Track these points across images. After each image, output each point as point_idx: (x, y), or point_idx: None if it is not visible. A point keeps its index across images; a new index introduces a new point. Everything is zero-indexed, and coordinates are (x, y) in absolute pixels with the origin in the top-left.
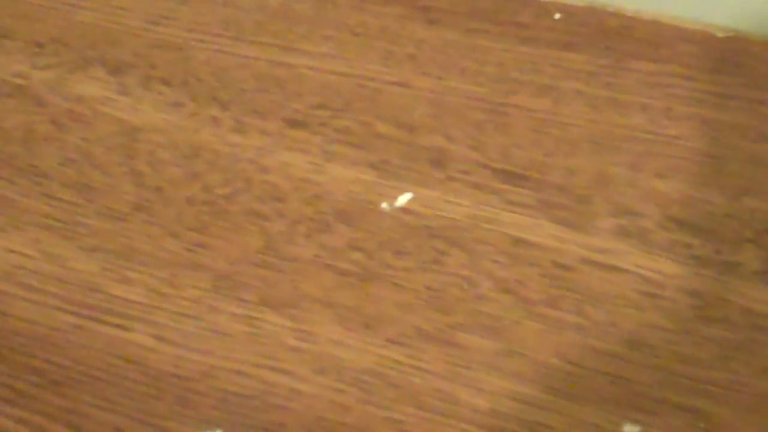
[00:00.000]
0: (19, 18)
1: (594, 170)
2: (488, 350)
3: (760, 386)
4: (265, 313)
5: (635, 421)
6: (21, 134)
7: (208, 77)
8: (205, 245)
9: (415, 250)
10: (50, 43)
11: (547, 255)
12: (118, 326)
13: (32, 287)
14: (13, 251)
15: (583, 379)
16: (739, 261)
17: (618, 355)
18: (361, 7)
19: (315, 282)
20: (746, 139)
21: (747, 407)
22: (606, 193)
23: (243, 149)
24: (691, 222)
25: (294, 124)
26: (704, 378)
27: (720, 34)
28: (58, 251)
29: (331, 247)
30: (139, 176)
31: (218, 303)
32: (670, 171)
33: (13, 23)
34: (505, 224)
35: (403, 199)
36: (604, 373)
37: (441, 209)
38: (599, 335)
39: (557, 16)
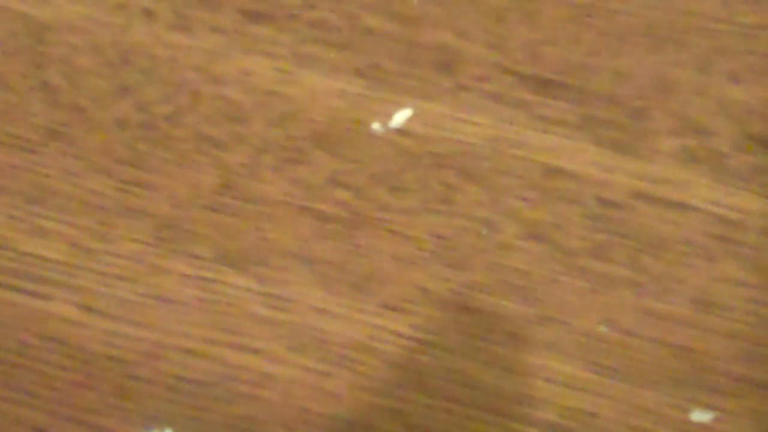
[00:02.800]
0: None
1: (651, 74)
2: (516, 316)
3: None
4: (223, 273)
5: (706, 406)
6: None
7: None
8: (143, 183)
9: (417, 186)
10: None
11: (591, 189)
12: (31, 294)
13: None
14: None
15: (640, 353)
16: None
17: (684, 320)
18: None
19: (288, 230)
20: None
21: None
22: (666, 105)
23: (187, 53)
24: None
25: (254, 17)
26: None
27: None
28: None
29: (307, 183)
30: (51, 92)
31: (161, 260)
32: (750, 73)
33: None
34: (535, 148)
35: (400, 118)
36: (666, 344)
37: (450, 130)
38: (659, 294)
39: None
